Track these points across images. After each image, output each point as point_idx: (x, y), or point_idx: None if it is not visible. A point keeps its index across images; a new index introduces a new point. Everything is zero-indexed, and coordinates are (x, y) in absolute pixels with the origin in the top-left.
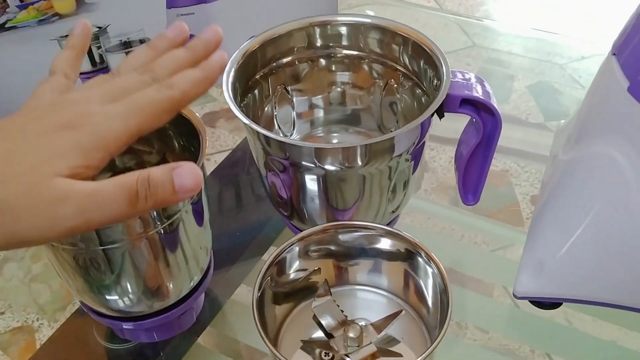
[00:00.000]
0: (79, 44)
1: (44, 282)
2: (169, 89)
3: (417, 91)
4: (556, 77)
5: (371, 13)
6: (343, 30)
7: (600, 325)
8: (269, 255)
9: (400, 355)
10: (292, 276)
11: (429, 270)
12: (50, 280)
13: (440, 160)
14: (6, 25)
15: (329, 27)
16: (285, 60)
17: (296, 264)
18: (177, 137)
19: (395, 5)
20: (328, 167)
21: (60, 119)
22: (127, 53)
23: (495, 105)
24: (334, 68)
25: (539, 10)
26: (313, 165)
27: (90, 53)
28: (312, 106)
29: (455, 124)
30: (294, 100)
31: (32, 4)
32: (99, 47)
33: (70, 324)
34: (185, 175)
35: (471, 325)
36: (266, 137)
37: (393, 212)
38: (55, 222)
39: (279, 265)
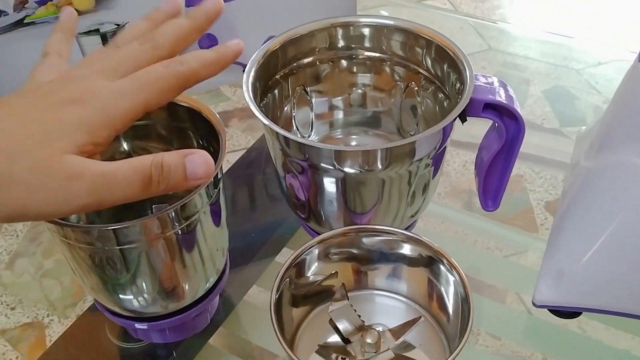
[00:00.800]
0: (66, 27)
1: (55, 278)
2: (179, 64)
3: (439, 95)
4: (572, 82)
5: (386, 14)
6: (365, 31)
7: (614, 334)
8: (284, 257)
9: None
10: (310, 279)
11: (451, 278)
12: (62, 276)
13: (454, 164)
14: (25, 21)
15: (351, 28)
16: (306, 60)
17: (315, 267)
18: (196, 137)
19: (410, 7)
20: (347, 169)
21: (66, 94)
22: None
23: (518, 110)
24: (355, 70)
25: (551, 11)
26: (332, 168)
27: None
28: (331, 107)
29: (470, 127)
30: (313, 101)
31: (51, 0)
32: None
33: (82, 322)
34: (198, 162)
35: (483, 332)
36: (285, 138)
37: (412, 216)
38: (69, 198)
39: (298, 267)
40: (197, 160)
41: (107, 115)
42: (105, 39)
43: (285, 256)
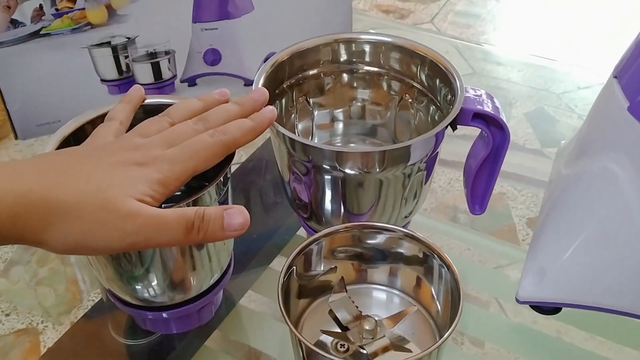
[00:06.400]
0: (134, 100)
1: (50, 285)
2: (222, 134)
3: (432, 107)
4: (553, 105)
5: None
6: (366, 47)
7: (595, 342)
8: (278, 264)
9: (410, 350)
10: (313, 270)
11: (442, 271)
12: (56, 284)
13: (440, 181)
14: (41, 32)
15: (353, 44)
16: (311, 72)
17: (318, 259)
18: None
19: (399, 28)
20: (348, 170)
21: (132, 157)
22: (152, 63)
23: (504, 119)
24: (355, 84)
25: (534, 38)
26: (333, 169)
27: (117, 62)
28: (332, 119)
29: (455, 147)
30: (315, 111)
31: (67, 13)
32: (126, 57)
33: (84, 323)
34: (235, 215)
35: (467, 341)
36: (291, 140)
37: (406, 217)
38: (122, 235)
39: (304, 257)
40: (234, 213)
41: (164, 176)
42: (115, 50)
43: (279, 263)
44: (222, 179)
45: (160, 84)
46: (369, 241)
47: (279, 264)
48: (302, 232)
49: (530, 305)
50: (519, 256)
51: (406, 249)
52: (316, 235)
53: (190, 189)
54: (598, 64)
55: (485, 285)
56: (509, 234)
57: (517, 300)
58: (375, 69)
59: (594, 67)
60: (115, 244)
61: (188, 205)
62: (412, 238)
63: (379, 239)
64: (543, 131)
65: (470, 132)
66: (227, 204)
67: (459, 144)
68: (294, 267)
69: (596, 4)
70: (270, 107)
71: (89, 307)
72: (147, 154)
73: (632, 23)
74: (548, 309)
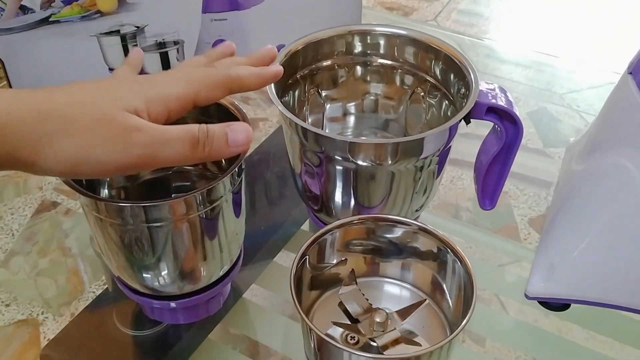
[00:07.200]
0: (133, 63)
1: (50, 277)
2: (226, 69)
3: (444, 102)
4: (556, 105)
5: None
6: (380, 39)
7: (596, 341)
8: (282, 259)
9: (420, 344)
10: (324, 261)
11: (456, 265)
12: (57, 275)
13: (442, 179)
14: (50, 19)
15: (368, 36)
16: (324, 63)
17: (330, 251)
18: None
19: (402, 22)
20: (360, 162)
21: (134, 79)
22: (160, 53)
23: (517, 114)
24: (369, 77)
25: (540, 38)
26: (346, 160)
27: (126, 51)
28: (344, 112)
29: (458, 145)
30: (326, 104)
31: (77, 0)
32: (135, 46)
33: (88, 314)
34: (238, 130)
35: (468, 338)
36: (304, 129)
37: (417, 211)
38: (127, 146)
39: (317, 247)
40: (238, 129)
41: (163, 94)
42: (124, 39)
43: (283, 257)
44: (236, 170)
45: None
46: (382, 233)
47: (283, 258)
48: (306, 226)
49: (538, 302)
50: (521, 254)
51: (420, 242)
52: (330, 226)
53: (205, 179)
54: (600, 64)
55: (487, 283)
56: (511, 233)
57: (526, 296)
58: (389, 62)
59: (596, 67)
60: (120, 156)
61: (202, 195)
62: (426, 232)
63: (393, 232)
64: (546, 131)
65: (472, 130)
66: (241, 195)
67: (462, 141)
68: (307, 257)
69: (597, 3)
70: (277, 64)
71: (91, 298)
72: (149, 77)
73: (633, 22)
74: (556, 305)
